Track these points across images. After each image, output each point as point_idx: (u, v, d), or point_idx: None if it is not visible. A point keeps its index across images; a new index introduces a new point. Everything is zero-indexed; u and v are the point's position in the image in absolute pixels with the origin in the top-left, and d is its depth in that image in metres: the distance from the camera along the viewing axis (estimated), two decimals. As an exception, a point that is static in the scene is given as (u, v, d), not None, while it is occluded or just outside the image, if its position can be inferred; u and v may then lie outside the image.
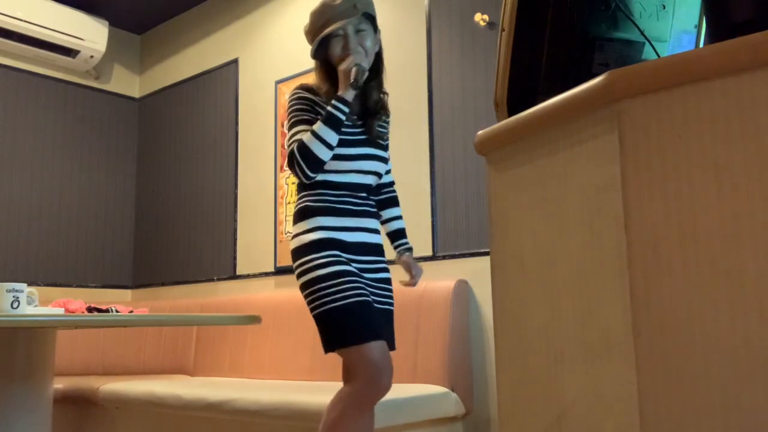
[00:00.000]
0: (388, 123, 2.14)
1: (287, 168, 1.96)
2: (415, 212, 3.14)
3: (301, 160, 1.90)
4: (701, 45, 1.28)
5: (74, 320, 2.09)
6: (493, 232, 1.10)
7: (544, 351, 0.95)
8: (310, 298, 1.90)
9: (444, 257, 3.02)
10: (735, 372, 0.74)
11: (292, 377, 3.21)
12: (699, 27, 1.29)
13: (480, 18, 2.99)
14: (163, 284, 4.38)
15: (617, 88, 0.84)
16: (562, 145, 0.94)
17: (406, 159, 3.19)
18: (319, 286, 1.88)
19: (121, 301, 4.17)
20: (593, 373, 0.86)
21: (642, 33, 1.22)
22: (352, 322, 1.85)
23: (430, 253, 3.07)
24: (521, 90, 1.15)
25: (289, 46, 3.84)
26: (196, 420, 2.81)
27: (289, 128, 1.99)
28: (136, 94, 4.78)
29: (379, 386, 1.83)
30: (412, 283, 2.13)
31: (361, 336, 1.84)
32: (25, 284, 1.98)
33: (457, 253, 2.98)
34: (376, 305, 1.96)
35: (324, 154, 1.91)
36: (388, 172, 2.22)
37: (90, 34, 4.28)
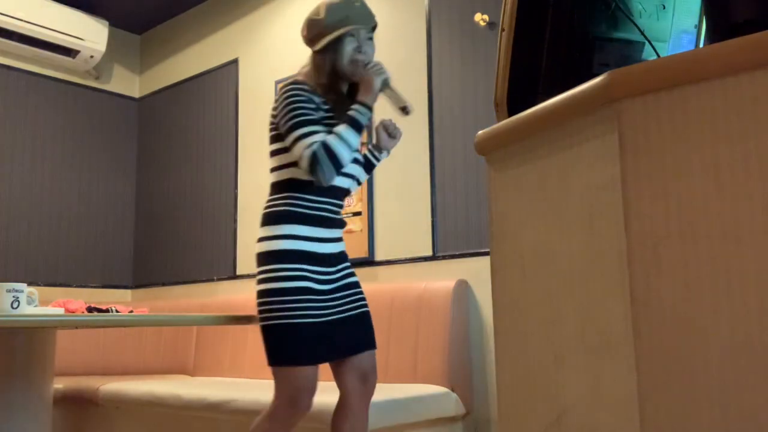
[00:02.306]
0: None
1: (306, 169, 1.87)
2: (415, 212, 3.14)
3: (329, 161, 1.85)
4: (701, 45, 1.28)
5: (74, 320, 2.09)
6: (493, 232, 1.10)
7: (544, 351, 0.95)
8: (263, 307, 1.89)
9: (444, 257, 3.02)
10: (735, 372, 0.74)
11: (292, 377, 3.21)
12: (699, 27, 1.29)
13: (480, 18, 2.99)
14: (163, 284, 4.38)
15: (617, 88, 0.84)
16: (562, 145, 0.94)
17: (406, 159, 3.19)
18: (276, 298, 1.86)
19: (121, 301, 4.18)
20: (593, 373, 0.86)
21: (642, 33, 1.22)
22: (291, 343, 1.86)
23: (430, 253, 3.07)
24: (521, 90, 1.15)
25: (289, 46, 3.84)
26: (196, 420, 2.81)
27: (296, 126, 1.89)
28: (136, 94, 4.78)
29: (299, 408, 1.87)
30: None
31: (296, 358, 1.85)
32: (25, 284, 1.98)
33: (457, 253, 2.98)
34: (341, 314, 1.94)
35: (347, 158, 1.89)
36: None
37: (90, 34, 4.28)
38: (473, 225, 2.95)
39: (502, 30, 1.16)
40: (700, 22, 1.29)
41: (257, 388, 2.75)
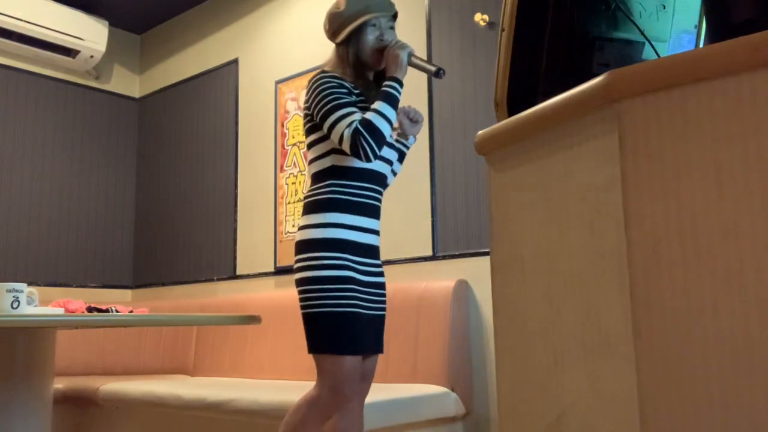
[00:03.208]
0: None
1: (348, 148, 1.87)
2: (415, 212, 3.14)
3: (370, 138, 1.86)
4: (701, 45, 1.27)
5: (74, 320, 2.09)
6: (493, 232, 1.10)
7: (544, 351, 0.95)
8: (306, 295, 1.89)
9: (444, 257, 3.02)
10: (735, 372, 0.74)
11: (292, 377, 3.21)
12: (699, 27, 1.29)
13: (480, 18, 2.99)
14: (163, 284, 4.38)
15: (617, 88, 0.84)
16: (562, 145, 0.94)
17: (407, 159, 3.19)
18: (319, 286, 1.87)
19: (121, 301, 4.18)
20: (593, 373, 0.86)
21: (642, 33, 1.22)
22: (337, 331, 1.86)
23: (430, 253, 3.07)
24: (521, 90, 1.15)
25: (289, 46, 3.84)
26: (196, 420, 2.81)
27: (333, 109, 1.90)
28: (136, 94, 4.78)
29: (341, 398, 1.87)
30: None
31: (341, 347, 1.86)
32: (25, 284, 1.98)
33: (457, 253, 2.98)
34: (371, 311, 1.96)
35: (387, 131, 1.90)
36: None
37: (90, 34, 4.28)
38: (473, 225, 2.95)
39: (502, 30, 1.16)
40: (700, 22, 1.29)
41: (257, 388, 2.75)
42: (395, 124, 2.02)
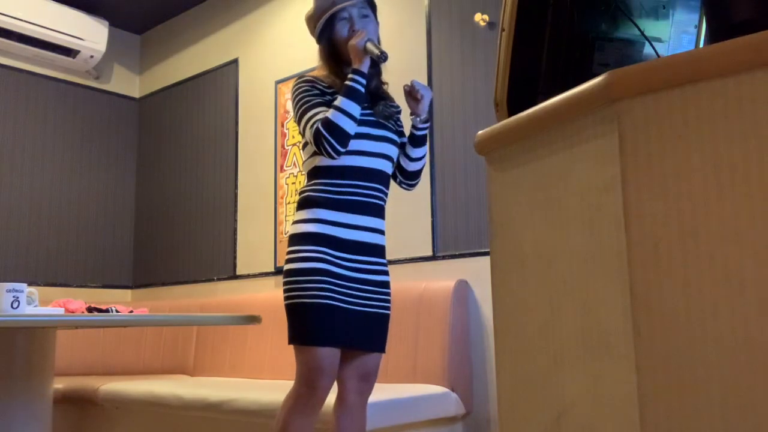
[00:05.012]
0: (398, 108, 2.14)
1: (315, 147, 1.91)
2: (415, 212, 3.14)
3: (329, 135, 1.87)
4: (701, 45, 1.27)
5: (74, 320, 2.09)
6: (493, 232, 1.10)
7: (544, 351, 0.95)
8: (285, 287, 1.93)
9: (444, 257, 3.02)
10: (735, 372, 0.74)
11: (293, 377, 3.20)
12: (699, 27, 1.29)
13: (480, 18, 2.99)
14: (163, 284, 4.38)
15: (617, 88, 0.84)
16: (562, 145, 0.94)
17: (406, 159, 3.19)
18: (294, 278, 1.90)
19: (121, 301, 4.17)
20: (593, 373, 0.86)
21: (642, 33, 1.22)
22: (308, 322, 1.87)
23: (430, 253, 3.07)
24: (521, 90, 1.15)
25: (289, 46, 3.84)
26: (196, 420, 2.81)
27: (303, 113, 1.95)
28: (136, 94, 4.78)
29: (315, 389, 1.87)
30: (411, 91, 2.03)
31: (313, 338, 1.86)
32: (25, 284, 1.98)
33: (457, 253, 2.98)
34: (357, 306, 1.93)
35: (350, 126, 1.90)
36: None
37: (90, 34, 4.28)
38: (473, 225, 2.95)
39: (502, 30, 1.16)
40: (700, 22, 1.29)
41: (257, 388, 2.75)
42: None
